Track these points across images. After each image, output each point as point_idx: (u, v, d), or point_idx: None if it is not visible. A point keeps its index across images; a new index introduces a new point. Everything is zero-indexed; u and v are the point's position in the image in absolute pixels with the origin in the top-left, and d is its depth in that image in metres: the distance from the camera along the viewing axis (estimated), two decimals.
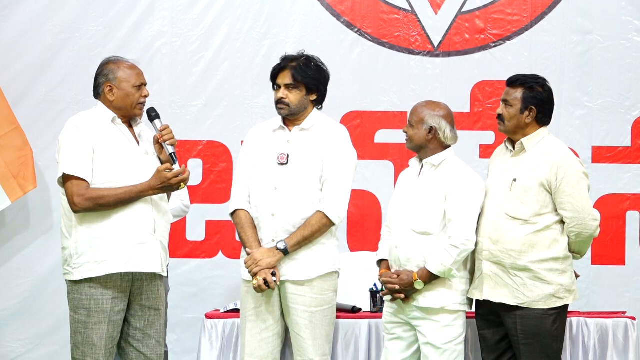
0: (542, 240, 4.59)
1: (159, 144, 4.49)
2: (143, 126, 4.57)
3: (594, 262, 6.21)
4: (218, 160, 6.26)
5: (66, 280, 4.42)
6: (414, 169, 4.81)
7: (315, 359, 4.67)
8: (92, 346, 4.34)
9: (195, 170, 6.18)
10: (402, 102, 6.25)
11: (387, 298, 4.74)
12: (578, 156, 4.82)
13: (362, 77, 6.32)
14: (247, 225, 4.72)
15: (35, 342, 6.23)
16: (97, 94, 4.51)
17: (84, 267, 4.34)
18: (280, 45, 6.20)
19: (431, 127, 4.71)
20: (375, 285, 5.04)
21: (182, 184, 4.40)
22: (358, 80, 6.32)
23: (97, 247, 4.34)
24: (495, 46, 6.31)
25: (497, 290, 4.63)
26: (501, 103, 4.72)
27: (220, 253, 6.27)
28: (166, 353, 5.23)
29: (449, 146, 4.76)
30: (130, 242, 4.37)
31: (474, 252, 4.72)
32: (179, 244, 6.22)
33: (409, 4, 6.31)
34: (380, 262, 4.83)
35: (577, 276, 4.73)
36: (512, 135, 4.72)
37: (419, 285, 4.60)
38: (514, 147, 4.71)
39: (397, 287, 4.62)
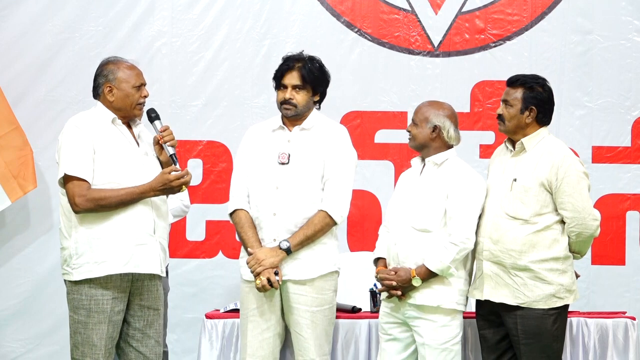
0: (542, 240, 4.59)
1: (159, 145, 4.48)
2: (142, 127, 4.57)
3: (594, 262, 6.21)
4: (218, 160, 6.26)
5: (65, 280, 4.42)
6: (415, 168, 4.81)
7: (317, 359, 4.67)
8: (91, 346, 4.34)
9: (195, 170, 6.19)
10: (402, 102, 6.26)
11: (383, 295, 4.74)
12: (578, 156, 4.82)
13: (362, 77, 6.32)
14: (247, 225, 4.71)
15: (35, 342, 6.23)
16: (97, 94, 4.51)
17: (83, 267, 4.34)
18: (280, 45, 6.20)
19: (435, 125, 4.72)
20: (375, 285, 5.04)
21: (183, 186, 4.40)
22: (358, 80, 6.32)
23: (97, 248, 4.34)
24: (495, 46, 6.31)
25: (497, 290, 4.63)
26: (501, 103, 4.72)
27: (220, 253, 6.28)
28: (166, 353, 5.24)
29: (452, 146, 4.76)
30: (130, 243, 4.37)
31: (474, 253, 4.73)
32: (179, 244, 6.22)
33: (409, 4, 6.31)
34: (377, 261, 4.82)
35: (577, 276, 4.73)
36: (512, 136, 4.72)
37: (416, 282, 4.60)
38: (514, 147, 4.71)
39: (394, 283, 4.62)
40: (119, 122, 4.46)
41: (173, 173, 4.38)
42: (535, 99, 4.67)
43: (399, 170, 6.04)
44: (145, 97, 4.51)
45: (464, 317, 4.88)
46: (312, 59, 4.78)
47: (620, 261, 6.25)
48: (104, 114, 4.46)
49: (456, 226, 4.61)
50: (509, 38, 6.31)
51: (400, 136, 6.06)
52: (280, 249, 4.63)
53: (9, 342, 6.23)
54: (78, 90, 6.11)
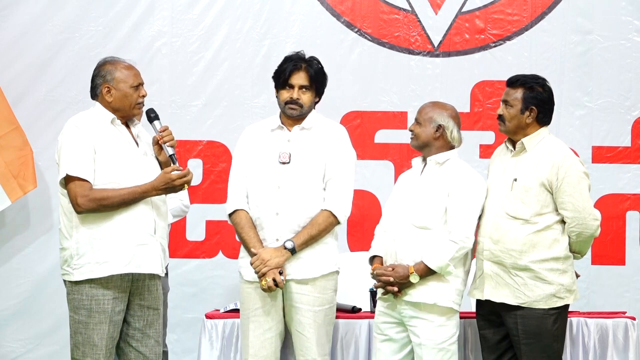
0: (542, 240, 4.59)
1: (158, 145, 4.48)
2: (140, 127, 4.56)
3: (594, 262, 6.21)
4: (218, 160, 6.26)
5: (65, 280, 4.42)
6: (416, 168, 4.82)
7: (318, 359, 4.68)
8: (92, 346, 4.34)
9: (195, 170, 6.15)
10: (402, 102, 6.26)
11: (379, 291, 4.74)
12: (578, 156, 4.82)
13: (362, 77, 6.32)
14: (248, 226, 4.71)
15: (35, 342, 6.23)
16: (95, 94, 4.50)
17: (85, 267, 4.34)
18: (280, 45, 6.21)
19: (439, 125, 4.72)
20: (375, 283, 5.03)
21: (185, 185, 4.41)
22: (358, 80, 6.32)
23: (98, 248, 4.33)
24: (495, 46, 6.31)
25: (497, 290, 4.63)
26: (501, 103, 4.72)
27: (220, 253, 6.28)
28: (165, 353, 5.24)
29: (453, 147, 4.76)
30: (131, 243, 4.36)
31: (473, 253, 4.73)
32: (179, 244, 6.22)
33: (409, 4, 6.32)
34: (372, 259, 4.82)
35: (577, 276, 4.73)
36: (512, 136, 4.72)
37: (414, 278, 4.60)
38: (514, 147, 4.71)
39: (391, 279, 4.62)
40: (118, 122, 4.46)
41: (174, 172, 4.38)
42: (536, 99, 4.67)
43: (399, 170, 6.04)
44: (144, 96, 4.51)
45: (465, 317, 4.89)
46: (315, 60, 4.79)
47: (620, 261, 6.25)
48: (102, 114, 4.45)
49: (456, 224, 4.61)
50: (509, 38, 6.31)
51: (400, 136, 6.06)
52: (285, 248, 4.63)
53: (9, 342, 6.24)
54: (78, 90, 6.10)
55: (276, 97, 4.82)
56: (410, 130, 4.80)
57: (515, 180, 4.63)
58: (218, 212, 6.09)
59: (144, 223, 4.40)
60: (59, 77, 6.27)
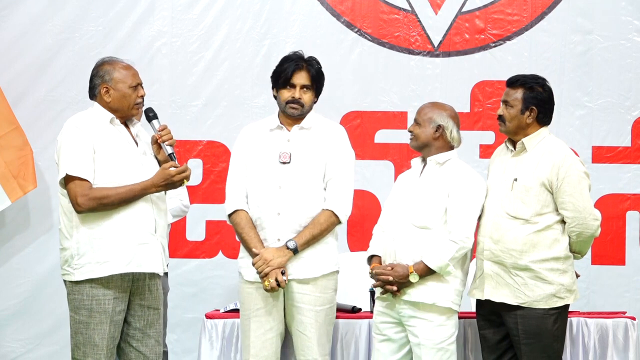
0: (543, 240, 4.59)
1: (157, 144, 4.48)
2: (139, 126, 4.56)
3: (594, 262, 6.21)
4: (218, 160, 6.26)
5: (65, 280, 4.41)
6: (415, 168, 4.82)
7: (319, 359, 4.68)
8: (93, 346, 4.34)
9: (195, 170, 6.15)
10: (402, 102, 6.26)
11: (378, 291, 4.74)
12: (578, 156, 4.82)
13: (362, 77, 6.33)
14: (248, 226, 4.71)
15: (35, 342, 6.24)
16: (93, 95, 4.50)
17: (85, 267, 4.33)
18: (280, 45, 6.21)
19: (439, 125, 4.72)
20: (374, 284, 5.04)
21: (184, 180, 4.41)
22: (358, 80, 6.32)
23: (98, 248, 4.33)
24: (495, 46, 6.31)
25: (498, 289, 4.63)
26: (501, 104, 4.72)
27: (220, 253, 6.28)
28: (165, 353, 5.23)
29: (453, 147, 4.77)
30: (132, 243, 4.36)
31: (472, 253, 4.73)
32: (179, 244, 6.22)
33: (409, 4, 6.32)
34: (370, 259, 4.82)
35: (577, 276, 4.73)
36: (513, 136, 4.72)
37: (413, 277, 4.60)
38: (514, 147, 4.71)
39: (390, 278, 4.62)
40: (117, 122, 4.46)
41: (172, 168, 4.38)
42: (536, 99, 4.67)
43: (399, 170, 6.04)
44: (142, 97, 4.51)
45: (465, 317, 4.89)
46: (315, 60, 4.79)
47: (620, 261, 6.25)
48: (101, 114, 4.45)
49: (456, 224, 4.61)
50: (509, 38, 6.31)
51: (400, 136, 6.06)
52: (288, 248, 4.63)
53: (9, 342, 6.24)
54: (78, 90, 6.10)
55: (274, 96, 4.82)
56: (410, 131, 4.80)
57: (516, 180, 4.63)
58: (218, 212, 6.09)
59: (145, 222, 4.40)
60: (59, 77, 6.28)
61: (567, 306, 4.64)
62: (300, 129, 4.77)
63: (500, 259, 4.62)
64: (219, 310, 5.19)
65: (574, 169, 4.60)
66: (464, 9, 6.32)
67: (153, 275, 4.46)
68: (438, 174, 4.72)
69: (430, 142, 4.74)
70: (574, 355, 4.93)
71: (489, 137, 6.23)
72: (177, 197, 5.36)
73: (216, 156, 6.28)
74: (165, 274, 4.70)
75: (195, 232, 6.29)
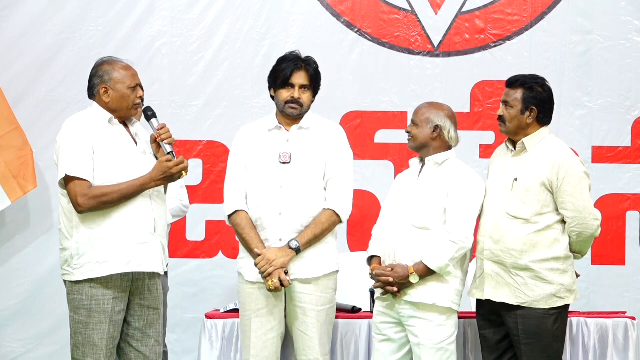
0: (543, 240, 4.59)
1: (156, 143, 4.48)
2: (139, 126, 4.56)
3: (594, 262, 6.21)
4: (218, 160, 6.26)
5: (65, 280, 4.41)
6: (414, 168, 4.82)
7: (320, 359, 4.68)
8: (93, 346, 4.33)
9: (195, 170, 6.19)
10: (402, 102, 6.26)
11: (378, 292, 4.74)
12: (578, 156, 4.82)
13: (362, 77, 6.33)
14: (249, 226, 4.70)
15: (35, 342, 6.24)
16: (92, 95, 4.49)
17: (85, 267, 4.33)
18: (280, 45, 6.21)
19: (437, 125, 4.72)
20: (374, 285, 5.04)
21: (183, 172, 4.40)
22: (358, 80, 6.33)
23: (98, 248, 4.33)
24: (495, 46, 6.31)
25: (498, 289, 4.63)
26: (501, 104, 4.72)
27: (220, 253, 6.28)
28: (165, 353, 5.23)
29: (451, 147, 4.77)
30: (132, 242, 4.36)
31: (472, 253, 4.73)
32: (179, 244, 6.22)
33: (409, 4, 6.32)
34: (370, 260, 4.82)
35: (577, 276, 4.73)
36: (513, 136, 4.72)
37: (414, 278, 4.60)
38: (514, 147, 4.71)
39: (390, 279, 4.62)
40: (116, 121, 4.46)
41: (169, 162, 4.38)
42: (536, 99, 4.67)
43: (399, 170, 6.04)
44: (141, 97, 4.51)
45: (465, 317, 4.89)
46: (312, 59, 4.79)
47: (620, 261, 6.26)
48: (100, 114, 4.45)
49: (456, 225, 4.61)
50: (509, 38, 6.31)
51: (400, 136, 6.06)
52: (290, 248, 4.63)
53: (9, 342, 6.24)
54: (78, 90, 6.09)
55: (272, 97, 4.82)
56: (407, 132, 4.80)
57: (516, 180, 4.63)
58: (218, 212, 6.09)
59: (144, 221, 4.39)
60: (59, 77, 6.28)
61: (567, 306, 4.64)
62: (299, 129, 4.76)
63: (500, 259, 4.62)
64: (219, 310, 5.18)
65: (574, 168, 4.60)
66: (464, 9, 6.32)
67: (153, 275, 4.46)
68: (436, 174, 4.72)
69: (428, 142, 4.74)
70: (574, 355, 4.93)
71: (489, 137, 6.23)
72: (177, 197, 5.36)
73: (216, 156, 6.28)
74: (165, 273, 4.70)
75: (195, 232, 6.29)
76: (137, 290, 4.43)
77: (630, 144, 6.27)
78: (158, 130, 4.47)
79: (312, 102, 4.80)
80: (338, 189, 4.72)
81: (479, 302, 4.75)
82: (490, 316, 4.71)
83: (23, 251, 6.26)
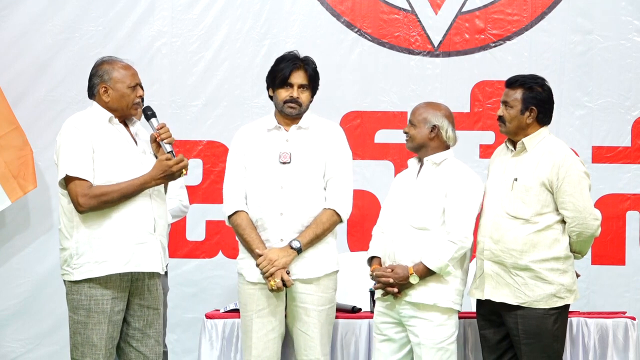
0: (543, 240, 4.59)
1: (156, 142, 4.48)
2: (139, 125, 4.56)
3: (594, 262, 6.21)
4: (218, 160, 6.26)
5: (65, 280, 4.41)
6: (412, 169, 4.82)
7: (322, 358, 4.68)
8: (92, 346, 4.33)
9: (195, 170, 6.19)
10: (402, 102, 6.26)
11: (378, 293, 4.74)
12: (578, 156, 4.82)
13: (362, 77, 6.33)
14: (249, 227, 4.70)
15: (35, 342, 6.24)
16: (92, 94, 4.49)
17: (84, 267, 4.33)
18: (280, 45, 6.20)
19: (434, 125, 4.72)
20: (375, 284, 5.04)
21: (183, 170, 4.40)
22: (358, 80, 6.32)
23: (97, 248, 4.33)
24: (495, 46, 6.31)
25: (498, 289, 4.63)
26: (501, 105, 4.72)
27: (220, 253, 6.28)
28: (165, 353, 5.23)
29: (449, 147, 4.77)
30: (131, 242, 4.36)
31: (472, 252, 4.73)
32: (179, 244, 6.22)
33: (409, 4, 6.32)
34: (370, 260, 4.82)
35: (577, 276, 4.73)
36: (513, 136, 4.72)
37: (414, 279, 4.60)
38: (514, 147, 4.71)
39: (391, 280, 4.62)
40: (116, 121, 4.46)
41: (169, 160, 4.38)
42: (535, 99, 4.67)
43: (399, 170, 6.03)
44: (141, 96, 4.51)
45: (465, 317, 4.89)
46: (311, 59, 4.79)
47: (620, 261, 6.25)
48: (100, 113, 4.45)
49: (455, 225, 4.61)
50: (509, 38, 6.31)
51: (400, 136, 6.01)
52: (292, 248, 4.63)
53: (9, 342, 6.24)
54: (78, 90, 6.09)
55: (270, 97, 4.82)
56: (405, 132, 4.80)
57: (516, 180, 4.63)
58: (218, 212, 6.07)
59: (144, 221, 4.39)
60: (59, 77, 6.28)
61: (567, 306, 4.64)
62: (298, 129, 4.76)
63: (500, 259, 4.62)
64: (219, 310, 5.18)
65: (574, 168, 4.60)
66: (464, 9, 6.32)
67: (152, 275, 4.46)
68: (435, 174, 4.72)
69: (426, 142, 4.74)
70: (574, 355, 4.93)
71: (489, 137, 6.23)
72: (177, 197, 5.36)
73: (216, 156, 6.28)
74: (165, 273, 4.69)
75: (195, 232, 6.29)
76: (136, 291, 4.43)
77: (630, 144, 6.27)
78: (158, 129, 4.47)
79: (311, 101, 4.80)
80: (338, 188, 4.72)
81: (479, 302, 4.75)
82: (490, 316, 4.71)
83: (23, 251, 6.26)
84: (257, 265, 4.62)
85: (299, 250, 4.63)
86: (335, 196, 4.71)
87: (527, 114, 4.66)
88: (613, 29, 6.28)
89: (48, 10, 6.28)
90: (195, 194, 6.14)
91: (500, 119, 4.71)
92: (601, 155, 6.27)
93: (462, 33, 6.32)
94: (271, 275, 4.58)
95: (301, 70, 4.74)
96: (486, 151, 6.09)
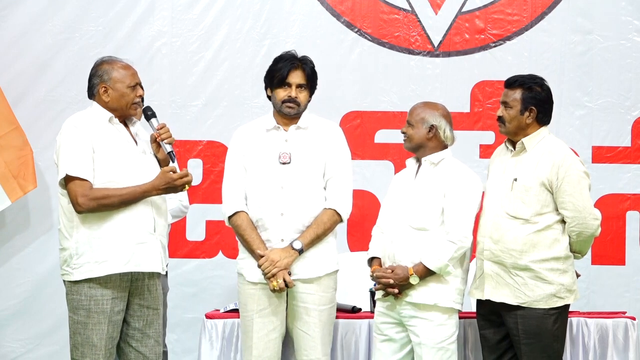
0: (543, 240, 4.59)
1: (156, 142, 4.48)
2: (139, 125, 4.56)
3: (594, 262, 6.21)
4: (218, 160, 6.25)
5: (64, 280, 4.41)
6: (410, 169, 4.82)
7: (322, 358, 4.68)
8: (92, 347, 4.33)
9: (195, 170, 6.19)
10: (402, 102, 6.25)
11: (379, 293, 4.74)
12: (578, 156, 4.82)
13: (362, 77, 6.32)
14: (250, 227, 4.70)
15: (35, 342, 6.24)
16: (92, 94, 4.50)
17: (84, 267, 4.33)
18: (280, 45, 6.20)
19: (432, 125, 4.72)
20: (375, 284, 5.04)
21: (186, 185, 4.41)
22: (358, 80, 6.32)
23: (97, 247, 4.33)
24: (495, 46, 6.31)
25: (498, 289, 4.63)
26: (500, 105, 4.72)
27: (220, 253, 6.28)
28: (165, 353, 5.23)
29: (447, 146, 4.77)
30: (131, 242, 4.36)
31: (473, 252, 4.73)
32: (179, 244, 6.22)
33: (409, 4, 6.32)
34: (371, 261, 4.82)
35: (577, 275, 4.73)
36: (513, 137, 4.72)
37: (414, 280, 4.60)
38: (514, 147, 4.71)
39: (391, 281, 4.62)
40: (116, 121, 4.46)
41: (173, 173, 4.38)
42: (535, 99, 4.67)
43: (398, 170, 6.02)
44: (140, 96, 4.51)
45: (465, 317, 4.89)
46: (309, 59, 4.79)
47: (620, 261, 6.25)
48: (100, 113, 4.45)
49: (454, 224, 4.61)
50: (509, 38, 6.31)
51: (400, 136, 6.04)
52: (293, 249, 4.63)
53: (9, 342, 6.24)
54: (78, 90, 6.08)
55: (268, 97, 4.82)
56: (403, 133, 4.80)
57: (516, 180, 4.63)
58: (218, 212, 6.04)
59: (144, 221, 4.39)
60: (59, 77, 6.27)
61: (567, 306, 4.64)
62: (297, 129, 4.76)
63: (500, 259, 4.62)
64: (219, 310, 5.19)
65: (573, 168, 4.60)
66: (464, 9, 6.32)
67: (152, 275, 4.46)
68: (433, 174, 4.72)
69: (424, 142, 4.74)
70: (574, 355, 4.93)
71: (489, 137, 6.23)
72: (177, 197, 5.35)
73: (216, 156, 6.27)
74: (166, 273, 4.69)
75: (195, 232, 6.29)
76: (136, 291, 4.43)
77: (630, 144, 6.27)
78: (158, 129, 4.47)
79: (309, 101, 4.80)
80: (338, 188, 4.73)
81: (479, 302, 4.75)
82: (490, 316, 4.71)
83: (23, 251, 6.26)
84: (259, 266, 4.62)
85: (301, 251, 4.63)
86: (336, 196, 4.72)
87: (527, 114, 4.66)
88: (613, 29, 6.28)
89: (48, 10, 6.28)
90: (195, 194, 6.14)
91: (500, 119, 4.71)
92: (601, 155, 6.27)
93: (462, 33, 6.32)
94: (273, 276, 4.58)
95: (299, 69, 4.74)
96: (486, 151, 6.09)
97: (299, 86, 4.74)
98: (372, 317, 4.90)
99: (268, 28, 6.32)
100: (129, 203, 4.35)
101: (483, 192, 4.76)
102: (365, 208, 6.14)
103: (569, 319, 4.77)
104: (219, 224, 6.14)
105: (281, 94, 4.74)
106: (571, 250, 4.65)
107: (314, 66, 4.79)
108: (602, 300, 6.17)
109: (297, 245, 4.63)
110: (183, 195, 5.44)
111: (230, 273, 6.03)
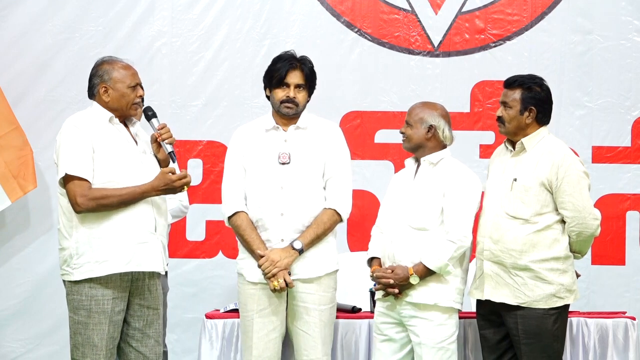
0: (543, 240, 4.59)
1: (156, 142, 4.48)
2: (139, 126, 4.56)
3: (594, 262, 6.21)
4: (218, 160, 6.25)
5: (65, 281, 4.41)
6: (409, 169, 4.82)
7: (323, 358, 4.68)
8: (92, 347, 4.33)
9: (195, 170, 6.19)
10: (402, 102, 6.25)
11: (379, 294, 4.74)
12: (578, 156, 4.82)
13: (362, 77, 6.32)
14: (250, 227, 4.70)
15: (35, 342, 6.24)
16: (92, 94, 4.50)
17: (84, 267, 4.33)
18: (280, 45, 6.20)
19: (431, 125, 4.72)
20: (375, 285, 5.04)
21: (185, 186, 4.41)
22: (358, 80, 6.32)
23: (97, 247, 4.33)
24: (495, 46, 6.31)
25: (497, 290, 4.63)
26: (500, 105, 4.72)
27: (220, 253, 6.28)
28: (165, 353, 5.23)
29: (446, 146, 4.77)
30: (132, 242, 4.36)
31: (473, 252, 4.73)
32: (179, 244, 6.22)
33: (409, 4, 6.32)
34: (370, 261, 4.83)
35: (577, 276, 4.73)
36: (512, 137, 4.72)
37: (414, 279, 4.60)
38: (514, 147, 4.71)
39: (391, 281, 4.62)
40: (116, 121, 4.46)
41: (172, 174, 4.38)
42: (534, 99, 4.67)
43: (398, 170, 6.04)
44: (141, 96, 4.51)
45: (465, 317, 4.89)
46: (307, 59, 4.79)
47: (620, 261, 6.25)
48: (100, 113, 4.45)
49: (453, 224, 4.61)
50: (509, 38, 6.31)
51: (400, 136, 6.06)
52: (294, 249, 4.63)
53: (9, 342, 6.24)
54: (78, 90, 6.09)
55: (267, 97, 4.82)
56: (402, 133, 4.80)
57: (515, 180, 4.63)
58: (218, 212, 6.02)
59: (144, 221, 4.40)
60: (59, 77, 6.27)
61: (567, 306, 4.64)
62: (296, 129, 4.77)
63: (500, 259, 4.62)
64: (219, 310, 5.19)
65: (573, 168, 4.60)
66: (464, 9, 6.32)
67: (152, 275, 4.46)
68: (432, 174, 4.72)
69: (423, 142, 4.74)
70: (574, 355, 4.93)
71: (489, 137, 6.23)
72: (177, 197, 5.35)
73: (216, 156, 6.27)
74: (166, 273, 4.69)
75: (195, 232, 6.29)
76: (136, 291, 4.43)
77: (630, 144, 6.27)
78: (158, 130, 4.47)
79: (308, 101, 4.81)
80: (338, 188, 4.73)
81: (479, 302, 4.75)
82: (490, 316, 4.71)
83: (23, 251, 6.26)
84: (259, 266, 4.62)
85: (301, 251, 4.64)
86: (335, 196, 4.72)
87: (526, 114, 4.66)
88: (613, 29, 6.28)
89: (48, 10, 6.28)
90: (195, 194, 6.14)
91: (500, 119, 4.71)
92: (601, 155, 6.27)
93: (462, 33, 6.32)
94: (273, 276, 4.58)
95: (297, 70, 4.74)
96: (486, 151, 6.09)
97: (297, 86, 4.74)
98: (372, 317, 4.90)
99: (268, 28, 6.32)
100: (128, 203, 4.36)
101: (482, 192, 4.76)
102: (365, 208, 6.14)
103: (569, 319, 4.77)
104: (219, 224, 6.14)
105: (280, 94, 4.74)
106: (571, 250, 4.65)
107: (312, 66, 4.79)
108: (602, 300, 6.17)
109: (297, 245, 4.63)
110: (183, 195, 5.43)
111: (230, 273, 6.03)
